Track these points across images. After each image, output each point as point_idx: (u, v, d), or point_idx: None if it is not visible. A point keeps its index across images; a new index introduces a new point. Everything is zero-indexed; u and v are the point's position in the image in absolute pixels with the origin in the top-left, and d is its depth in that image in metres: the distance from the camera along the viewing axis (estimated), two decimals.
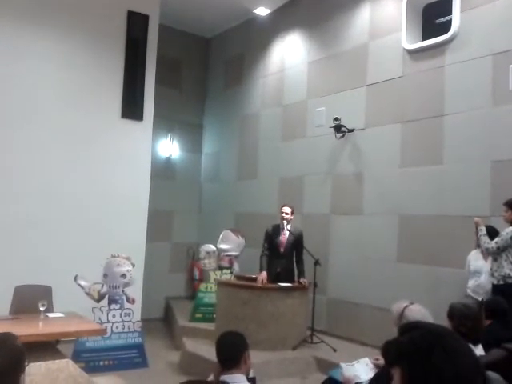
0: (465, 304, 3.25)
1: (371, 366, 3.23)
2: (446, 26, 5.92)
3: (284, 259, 6.22)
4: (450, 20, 5.85)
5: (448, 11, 5.93)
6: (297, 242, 6.24)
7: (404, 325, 1.30)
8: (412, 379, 1.13)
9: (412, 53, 6.22)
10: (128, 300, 6.05)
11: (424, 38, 6.28)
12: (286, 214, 6.21)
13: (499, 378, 2.38)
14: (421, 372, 1.11)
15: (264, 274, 6.02)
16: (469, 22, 5.65)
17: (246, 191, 8.73)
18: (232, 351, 2.77)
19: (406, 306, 2.75)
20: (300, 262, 6.24)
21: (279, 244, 6.21)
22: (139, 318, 6.42)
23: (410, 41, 6.27)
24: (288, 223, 6.23)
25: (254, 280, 6.12)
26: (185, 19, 9.12)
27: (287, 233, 6.21)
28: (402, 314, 2.71)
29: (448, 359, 1.10)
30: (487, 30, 5.49)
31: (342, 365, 3.25)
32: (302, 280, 6.08)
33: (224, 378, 2.61)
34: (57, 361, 4.06)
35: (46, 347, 4.26)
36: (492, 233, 4.79)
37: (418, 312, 2.69)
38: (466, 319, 2.96)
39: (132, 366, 5.77)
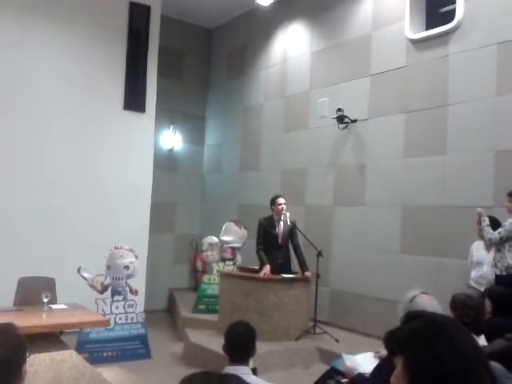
0: (467, 294, 3.25)
1: (374, 359, 3.23)
2: (450, 15, 5.86)
3: (283, 250, 6.25)
4: (454, 9, 5.79)
5: (452, 0, 5.87)
6: (292, 232, 6.27)
7: (407, 314, 1.30)
8: (414, 368, 1.12)
9: (416, 42, 6.17)
10: (131, 291, 6.07)
11: (428, 28, 6.22)
12: (285, 204, 6.23)
13: (502, 369, 2.37)
14: (423, 361, 1.10)
15: (268, 267, 6.00)
16: (473, 11, 5.60)
17: (248, 183, 8.72)
18: (244, 347, 2.76)
19: (418, 294, 2.75)
20: (299, 250, 6.27)
21: (276, 235, 6.22)
22: (142, 310, 6.45)
23: (413, 30, 6.21)
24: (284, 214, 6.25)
25: (257, 271, 6.12)
26: (186, 10, 9.06)
27: (283, 223, 6.22)
28: (412, 300, 2.70)
29: (450, 348, 1.10)
30: (491, 18, 5.43)
31: (344, 355, 3.25)
32: (307, 273, 6.08)
33: (229, 369, 2.62)
34: (61, 352, 4.07)
35: (50, 338, 4.28)
36: (494, 223, 4.78)
37: (428, 301, 2.68)
38: (469, 309, 2.96)
39: (135, 357, 5.79)
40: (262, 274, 5.97)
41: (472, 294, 3.95)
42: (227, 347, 2.79)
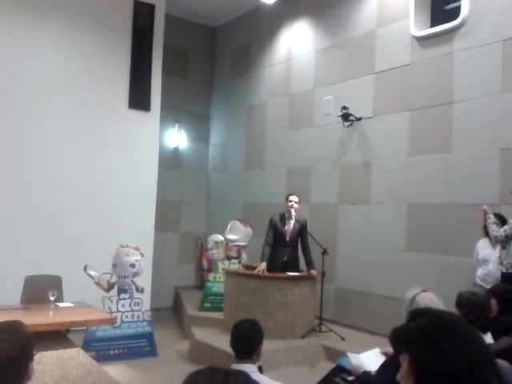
0: (473, 292, 3.24)
1: (381, 356, 3.23)
2: (455, 13, 5.84)
3: (290, 247, 6.25)
4: (459, 6, 5.77)
5: None
6: (301, 231, 6.26)
7: (412, 311, 1.30)
8: (419, 366, 1.12)
9: (420, 40, 6.15)
10: (137, 289, 6.09)
11: (432, 25, 6.20)
12: (295, 202, 6.22)
13: (508, 366, 2.37)
14: (428, 359, 1.10)
15: (264, 264, 6.04)
16: (478, 8, 5.57)
17: (253, 181, 8.72)
18: (248, 343, 2.78)
19: (418, 293, 2.75)
20: (307, 249, 6.25)
21: (285, 233, 6.22)
22: (148, 308, 6.48)
23: (418, 28, 6.19)
24: (294, 212, 6.23)
25: None
26: (191, 9, 9.07)
27: (293, 221, 6.22)
28: (412, 301, 2.71)
29: (456, 345, 1.10)
30: (497, 16, 5.41)
31: (349, 354, 3.26)
32: (312, 272, 6.09)
33: (235, 367, 2.62)
34: (67, 350, 4.09)
35: (57, 336, 4.30)
36: (500, 221, 4.76)
37: (428, 299, 2.68)
38: (475, 307, 2.96)
39: (141, 355, 5.81)
40: (256, 271, 6.01)
41: (478, 291, 3.94)
42: (233, 343, 2.82)
